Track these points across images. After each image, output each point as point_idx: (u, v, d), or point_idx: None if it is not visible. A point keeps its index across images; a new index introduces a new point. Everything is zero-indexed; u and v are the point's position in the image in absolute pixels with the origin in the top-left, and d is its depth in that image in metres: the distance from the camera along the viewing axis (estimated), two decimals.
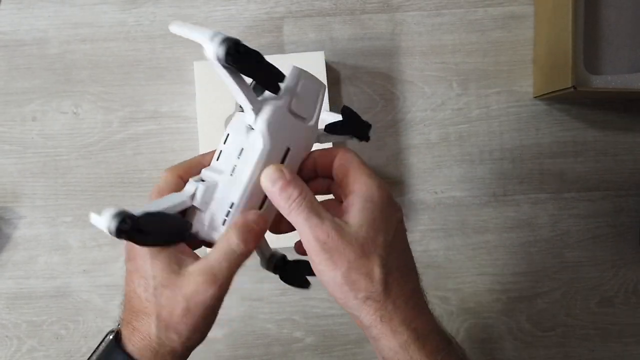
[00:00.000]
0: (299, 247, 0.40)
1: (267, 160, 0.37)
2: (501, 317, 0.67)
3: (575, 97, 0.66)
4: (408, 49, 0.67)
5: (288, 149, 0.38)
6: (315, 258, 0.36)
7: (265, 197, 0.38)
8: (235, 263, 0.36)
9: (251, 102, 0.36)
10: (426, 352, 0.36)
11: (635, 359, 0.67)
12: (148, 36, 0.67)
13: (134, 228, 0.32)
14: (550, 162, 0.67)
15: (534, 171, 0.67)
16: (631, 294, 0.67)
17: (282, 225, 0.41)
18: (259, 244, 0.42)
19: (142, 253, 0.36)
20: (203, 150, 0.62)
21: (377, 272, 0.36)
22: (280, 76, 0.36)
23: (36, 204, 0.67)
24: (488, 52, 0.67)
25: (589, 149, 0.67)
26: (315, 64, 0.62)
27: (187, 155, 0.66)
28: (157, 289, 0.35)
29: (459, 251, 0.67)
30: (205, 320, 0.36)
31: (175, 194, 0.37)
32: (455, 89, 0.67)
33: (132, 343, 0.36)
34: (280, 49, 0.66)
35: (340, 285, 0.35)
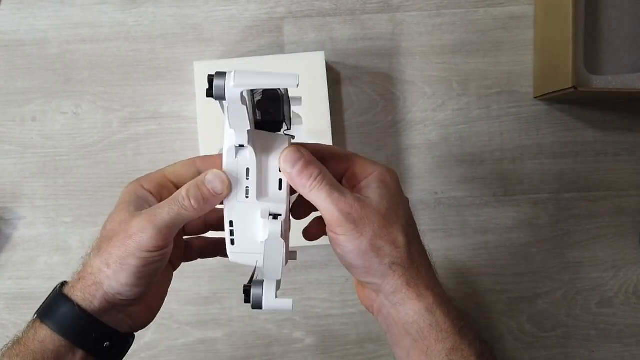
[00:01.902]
0: (311, 231, 0.42)
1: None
2: (501, 317, 0.67)
3: (575, 97, 0.66)
4: (408, 49, 0.67)
5: None
6: (339, 229, 0.37)
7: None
8: (178, 215, 0.36)
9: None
10: (451, 317, 0.38)
11: (635, 359, 0.67)
12: (148, 36, 0.67)
13: None
14: (551, 162, 0.67)
15: (534, 171, 0.67)
16: (631, 295, 0.67)
17: (302, 209, 0.43)
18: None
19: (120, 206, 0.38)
20: (203, 150, 0.62)
21: (401, 239, 0.38)
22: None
23: (36, 204, 0.67)
24: (488, 52, 0.67)
25: (589, 149, 0.67)
26: (315, 64, 0.62)
27: (187, 155, 0.66)
28: (108, 223, 0.37)
29: (459, 251, 0.67)
30: (137, 262, 0.36)
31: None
32: (455, 89, 0.67)
33: (73, 280, 0.38)
34: (281, 49, 0.66)
35: (365, 252, 0.37)
